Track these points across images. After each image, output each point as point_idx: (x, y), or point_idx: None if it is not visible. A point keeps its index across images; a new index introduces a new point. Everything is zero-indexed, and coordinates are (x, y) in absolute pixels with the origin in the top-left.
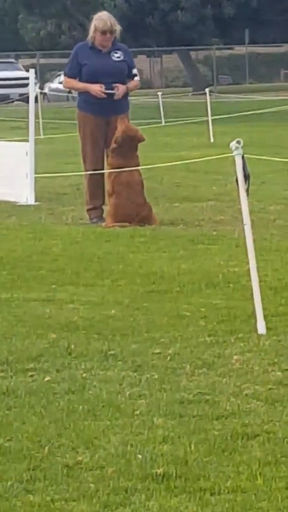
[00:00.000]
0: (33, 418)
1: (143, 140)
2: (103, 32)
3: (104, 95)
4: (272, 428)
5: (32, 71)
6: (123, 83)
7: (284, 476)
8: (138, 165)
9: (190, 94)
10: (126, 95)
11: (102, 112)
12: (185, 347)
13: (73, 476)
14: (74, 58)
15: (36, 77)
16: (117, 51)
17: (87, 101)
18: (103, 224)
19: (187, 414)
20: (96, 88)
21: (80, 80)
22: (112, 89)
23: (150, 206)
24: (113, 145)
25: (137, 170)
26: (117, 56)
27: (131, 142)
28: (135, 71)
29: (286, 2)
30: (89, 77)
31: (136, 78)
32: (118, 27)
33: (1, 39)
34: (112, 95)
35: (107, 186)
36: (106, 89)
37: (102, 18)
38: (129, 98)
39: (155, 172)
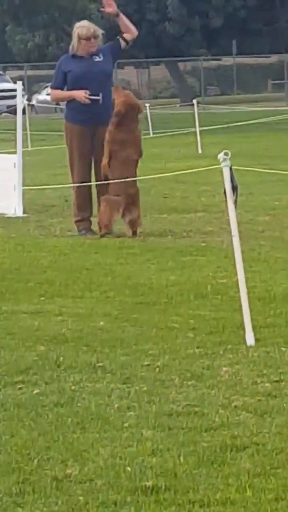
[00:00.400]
0: (22, 431)
1: (142, 110)
2: (87, 38)
3: (88, 101)
4: (261, 440)
5: (19, 83)
6: (108, 83)
7: (273, 488)
8: (140, 137)
9: (178, 105)
10: (112, 103)
11: (89, 122)
12: (174, 359)
13: (62, 489)
14: (58, 69)
15: (23, 89)
16: (99, 54)
17: (74, 110)
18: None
19: (176, 426)
20: (81, 94)
21: (66, 90)
22: (97, 95)
23: (139, 190)
24: (115, 119)
25: (135, 148)
26: (98, 58)
27: (133, 112)
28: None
29: (273, 13)
30: (74, 84)
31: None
32: (100, 31)
33: None
34: (97, 101)
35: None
36: (90, 94)
37: (83, 25)
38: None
39: (144, 184)
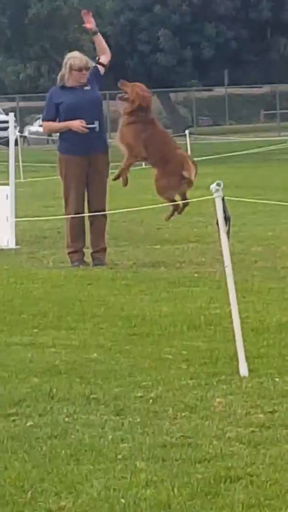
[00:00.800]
0: (16, 463)
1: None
2: (80, 69)
3: (86, 130)
4: (255, 471)
5: (11, 114)
6: (100, 111)
7: None
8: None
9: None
10: (104, 129)
11: (84, 152)
12: (168, 390)
13: None
14: (50, 101)
15: (15, 120)
16: (88, 84)
17: (68, 141)
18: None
19: (170, 457)
20: (77, 124)
21: (59, 121)
22: (93, 123)
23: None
24: (130, 111)
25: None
26: (86, 88)
27: (148, 104)
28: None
29: (265, 43)
30: (67, 115)
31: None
32: (91, 63)
33: None
34: (93, 129)
35: None
36: (86, 123)
37: (76, 56)
38: (109, 140)
39: (136, 215)
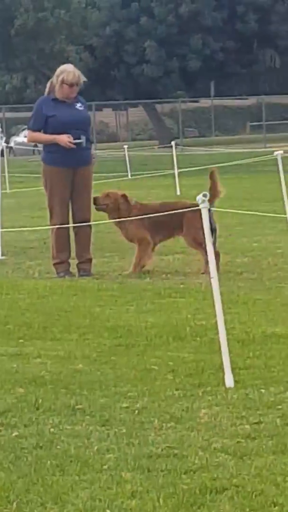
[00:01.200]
0: (1, 474)
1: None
2: (71, 85)
3: (73, 146)
4: (241, 482)
5: None
6: (88, 131)
7: None
8: None
9: (156, 147)
10: (90, 144)
11: (69, 164)
12: (153, 401)
13: None
14: (39, 111)
15: (1, 131)
16: (78, 102)
17: (53, 153)
18: None
19: (155, 468)
20: (64, 139)
21: (45, 133)
22: (79, 138)
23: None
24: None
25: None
26: (79, 105)
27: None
28: None
29: (251, 55)
30: (56, 129)
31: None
32: (82, 79)
33: None
34: (80, 144)
35: None
36: (73, 139)
37: (69, 71)
38: (96, 151)
39: None
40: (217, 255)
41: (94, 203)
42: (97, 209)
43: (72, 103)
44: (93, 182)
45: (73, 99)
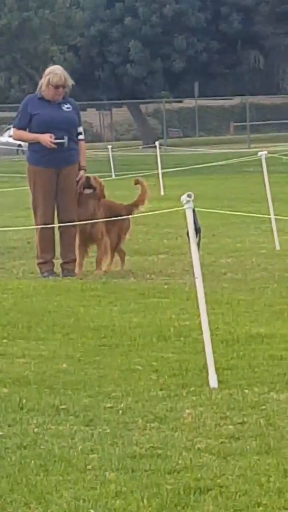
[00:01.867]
0: None
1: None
2: (57, 87)
3: (54, 145)
4: (225, 482)
5: None
6: (74, 133)
7: None
8: None
9: (140, 147)
10: (75, 145)
11: (52, 164)
12: (137, 401)
13: None
14: (24, 109)
15: None
16: (67, 103)
17: (37, 152)
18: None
19: (139, 468)
20: (46, 138)
21: (30, 131)
22: (62, 138)
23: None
24: None
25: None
26: (66, 107)
27: None
28: (80, 129)
29: (235, 56)
30: (40, 128)
31: (81, 137)
32: (70, 82)
33: None
34: (62, 144)
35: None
36: (56, 138)
37: (56, 73)
38: None
39: None
40: (121, 252)
41: (86, 182)
42: (85, 188)
43: (59, 104)
44: None
45: (61, 100)
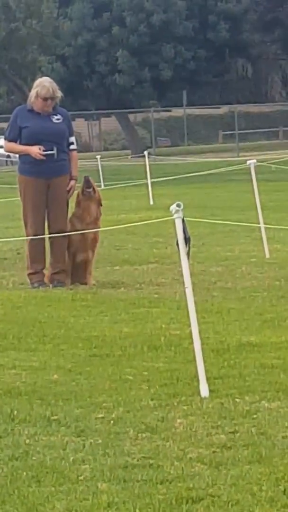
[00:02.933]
0: None
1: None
2: (45, 99)
3: (43, 157)
4: (217, 492)
5: None
6: (64, 143)
7: None
8: None
9: (129, 157)
10: (65, 155)
11: (43, 174)
12: (128, 411)
13: None
14: (14, 122)
15: None
16: (57, 114)
17: (27, 163)
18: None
19: (131, 478)
20: (35, 150)
21: (21, 143)
22: (52, 149)
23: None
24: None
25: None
26: (56, 118)
27: None
28: (72, 139)
29: (223, 64)
30: (29, 140)
31: (72, 147)
32: (59, 94)
33: None
34: (52, 155)
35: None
36: (45, 150)
37: (44, 85)
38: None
39: None
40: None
41: (86, 183)
42: (85, 189)
43: (49, 115)
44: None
45: (51, 111)
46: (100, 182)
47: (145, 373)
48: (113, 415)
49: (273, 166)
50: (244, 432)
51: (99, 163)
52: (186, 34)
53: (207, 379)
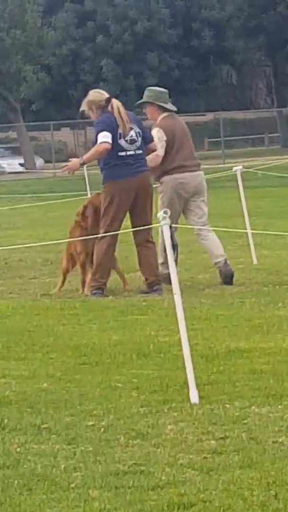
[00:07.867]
0: None
1: None
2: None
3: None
4: (208, 497)
5: None
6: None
7: None
8: None
9: None
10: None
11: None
12: (118, 418)
13: None
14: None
15: None
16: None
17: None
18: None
19: (122, 485)
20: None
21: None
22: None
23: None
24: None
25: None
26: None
27: None
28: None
29: (207, 72)
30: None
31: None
32: (82, 108)
33: None
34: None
35: None
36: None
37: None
38: (54, 171)
39: None
40: None
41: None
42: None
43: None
44: (52, 202)
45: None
46: (86, 190)
47: (135, 380)
48: (104, 423)
49: (259, 172)
50: (234, 437)
51: (85, 171)
52: (170, 42)
53: (197, 385)
